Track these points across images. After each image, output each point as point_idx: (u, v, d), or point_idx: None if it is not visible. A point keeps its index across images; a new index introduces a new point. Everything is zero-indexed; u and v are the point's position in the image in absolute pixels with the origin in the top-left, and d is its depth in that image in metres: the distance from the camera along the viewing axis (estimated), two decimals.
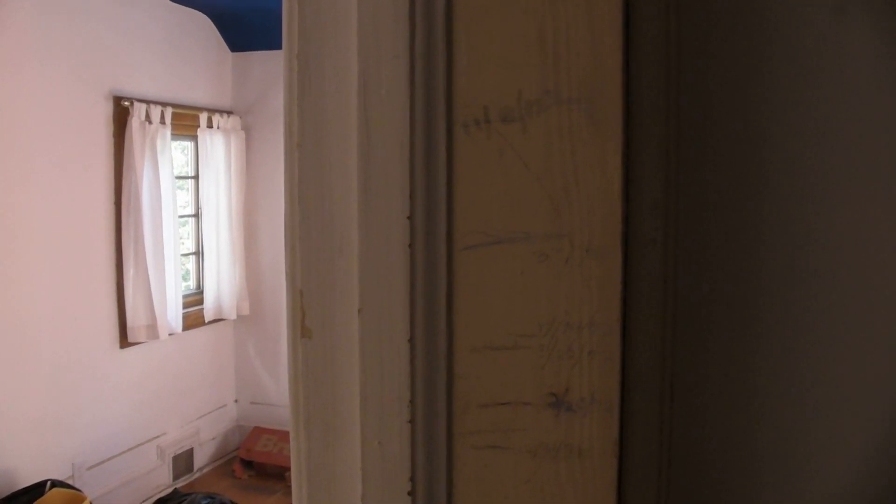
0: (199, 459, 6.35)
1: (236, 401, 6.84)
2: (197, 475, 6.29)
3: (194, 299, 6.34)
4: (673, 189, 0.68)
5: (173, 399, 6.01)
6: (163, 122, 5.62)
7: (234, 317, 6.52)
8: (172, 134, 5.78)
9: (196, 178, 6.38)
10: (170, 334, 5.75)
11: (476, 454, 0.66)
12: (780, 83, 0.68)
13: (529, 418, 0.65)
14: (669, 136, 0.67)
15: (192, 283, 6.49)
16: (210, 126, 6.23)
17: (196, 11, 6.15)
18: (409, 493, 0.68)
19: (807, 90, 0.68)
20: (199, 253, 6.47)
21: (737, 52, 0.69)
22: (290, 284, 0.71)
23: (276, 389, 6.63)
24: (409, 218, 0.65)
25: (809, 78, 0.68)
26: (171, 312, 5.77)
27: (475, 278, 0.65)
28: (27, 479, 4.63)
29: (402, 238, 0.65)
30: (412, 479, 0.67)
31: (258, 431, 6.53)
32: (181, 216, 6.16)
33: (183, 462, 6.16)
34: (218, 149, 6.29)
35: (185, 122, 6.02)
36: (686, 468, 0.72)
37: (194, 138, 6.24)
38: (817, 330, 0.70)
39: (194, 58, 6.21)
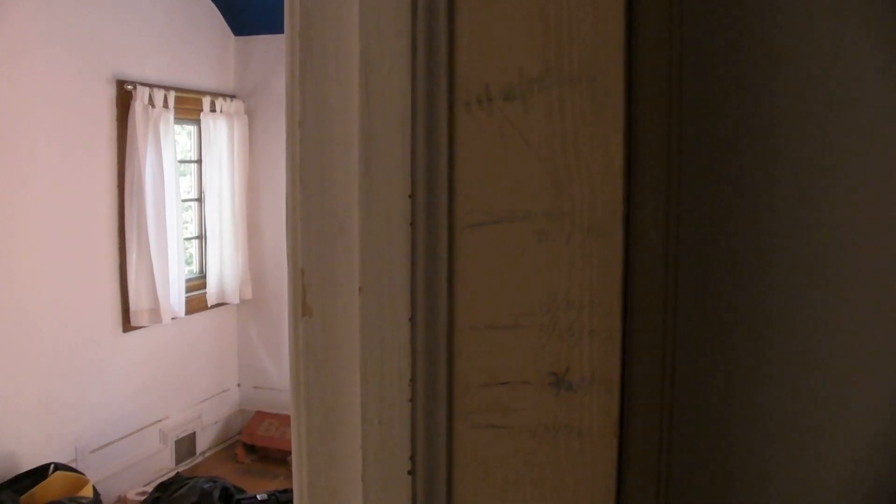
0: (202, 443, 6.37)
1: (239, 385, 6.86)
2: (199, 459, 6.31)
3: (197, 283, 6.35)
4: (675, 169, 0.68)
5: (176, 383, 6.03)
6: (166, 105, 5.61)
7: (236, 301, 6.53)
8: (175, 118, 5.78)
9: (199, 162, 6.37)
10: (172, 318, 5.76)
11: (476, 433, 0.66)
12: (787, 64, 0.68)
13: (529, 398, 0.65)
14: (672, 115, 0.67)
15: (195, 268, 6.50)
16: (213, 110, 6.22)
17: None
18: (409, 473, 0.68)
19: (813, 71, 0.68)
20: (201, 237, 6.47)
21: (741, 33, 0.68)
22: (292, 263, 0.71)
23: (278, 374, 6.65)
24: (410, 196, 0.65)
25: (816, 59, 0.68)
26: (174, 296, 5.78)
27: (476, 257, 0.65)
28: (30, 463, 4.65)
29: (403, 216, 0.65)
30: (412, 459, 0.68)
31: (260, 416, 6.55)
32: (184, 200, 6.16)
33: (185, 446, 6.18)
34: (221, 133, 6.29)
35: (188, 105, 6.01)
36: (687, 448, 0.72)
37: (197, 122, 6.23)
38: (820, 313, 0.69)
39: (197, 41, 6.20)
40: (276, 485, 5.73)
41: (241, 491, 5.16)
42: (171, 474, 5.70)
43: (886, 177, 0.67)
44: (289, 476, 5.73)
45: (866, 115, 0.67)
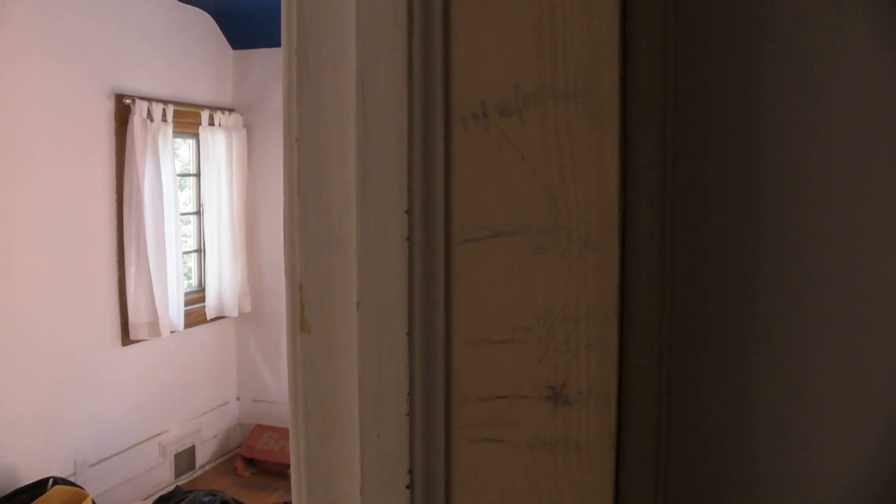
0: (201, 457, 6.36)
1: (238, 398, 6.84)
2: (199, 473, 6.30)
3: (196, 297, 6.34)
4: (670, 181, 0.68)
5: (175, 396, 6.02)
6: (164, 119, 5.62)
7: (235, 314, 6.53)
8: (174, 131, 5.78)
9: (198, 175, 6.38)
10: (171, 332, 5.75)
11: (474, 447, 0.66)
12: (779, 76, 0.68)
13: (527, 412, 0.65)
14: (666, 128, 0.67)
15: (193, 281, 6.50)
16: (211, 124, 6.23)
17: (197, 9, 6.15)
18: (407, 487, 0.68)
19: (805, 83, 0.68)
20: (200, 250, 6.47)
21: (735, 46, 0.69)
22: (290, 278, 0.71)
23: (277, 387, 6.64)
24: (406, 212, 0.65)
25: (808, 71, 0.68)
26: (173, 310, 5.78)
27: (473, 272, 0.65)
28: (29, 477, 4.63)
29: (399, 231, 0.66)
30: (410, 472, 0.68)
31: (260, 429, 6.54)
32: (183, 214, 6.16)
33: (185, 459, 6.16)
34: (219, 146, 6.30)
35: (187, 119, 6.02)
36: (684, 461, 0.72)
37: (196, 136, 6.24)
38: (815, 325, 0.70)
39: (196, 55, 6.21)
40: (275, 498, 5.72)
41: None
42: (171, 488, 5.68)
43: (882, 185, 0.67)
44: (288, 489, 5.71)
45: (864, 122, 0.67)
